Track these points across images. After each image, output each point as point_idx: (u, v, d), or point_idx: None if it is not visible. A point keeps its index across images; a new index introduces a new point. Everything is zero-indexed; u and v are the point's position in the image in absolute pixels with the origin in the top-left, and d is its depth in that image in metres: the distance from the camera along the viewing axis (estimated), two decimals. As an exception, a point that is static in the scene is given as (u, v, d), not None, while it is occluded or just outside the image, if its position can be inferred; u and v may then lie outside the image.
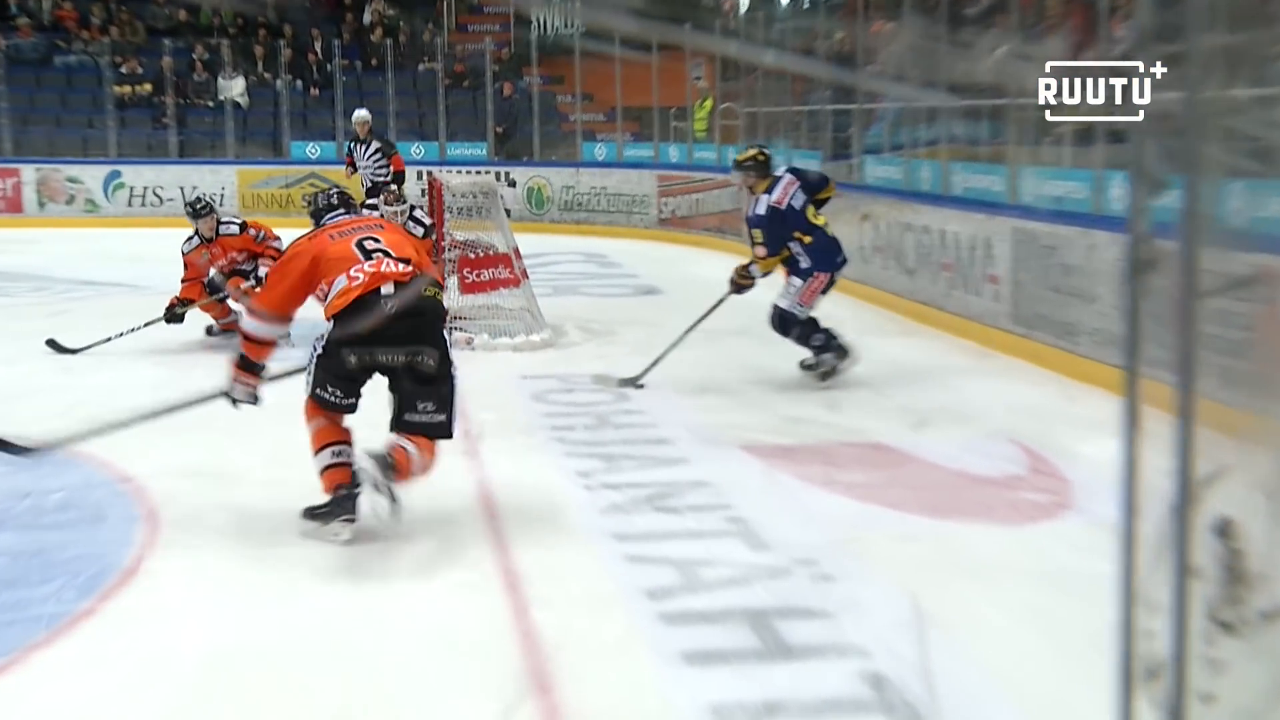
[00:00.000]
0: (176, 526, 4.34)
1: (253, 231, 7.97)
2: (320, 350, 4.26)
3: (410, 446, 4.17)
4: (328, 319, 4.26)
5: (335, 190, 4.83)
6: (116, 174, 16.94)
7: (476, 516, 4.48)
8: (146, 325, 7.81)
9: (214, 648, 3.36)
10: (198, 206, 7.97)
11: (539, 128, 16.98)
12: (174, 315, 7.93)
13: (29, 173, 16.88)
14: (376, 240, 4.38)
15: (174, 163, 17.24)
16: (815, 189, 6.82)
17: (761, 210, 6.68)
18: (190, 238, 7.96)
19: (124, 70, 18.11)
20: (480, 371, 7.03)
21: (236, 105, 17.80)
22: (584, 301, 9.83)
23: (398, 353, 4.19)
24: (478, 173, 14.79)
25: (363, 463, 4.07)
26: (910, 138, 9.73)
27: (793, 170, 6.92)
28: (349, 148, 12.36)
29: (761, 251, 6.70)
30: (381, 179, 11.74)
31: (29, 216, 16.65)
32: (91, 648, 3.36)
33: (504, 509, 4.56)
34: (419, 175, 16.06)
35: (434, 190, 8.38)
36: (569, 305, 9.25)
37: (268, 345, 4.46)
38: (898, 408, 6.18)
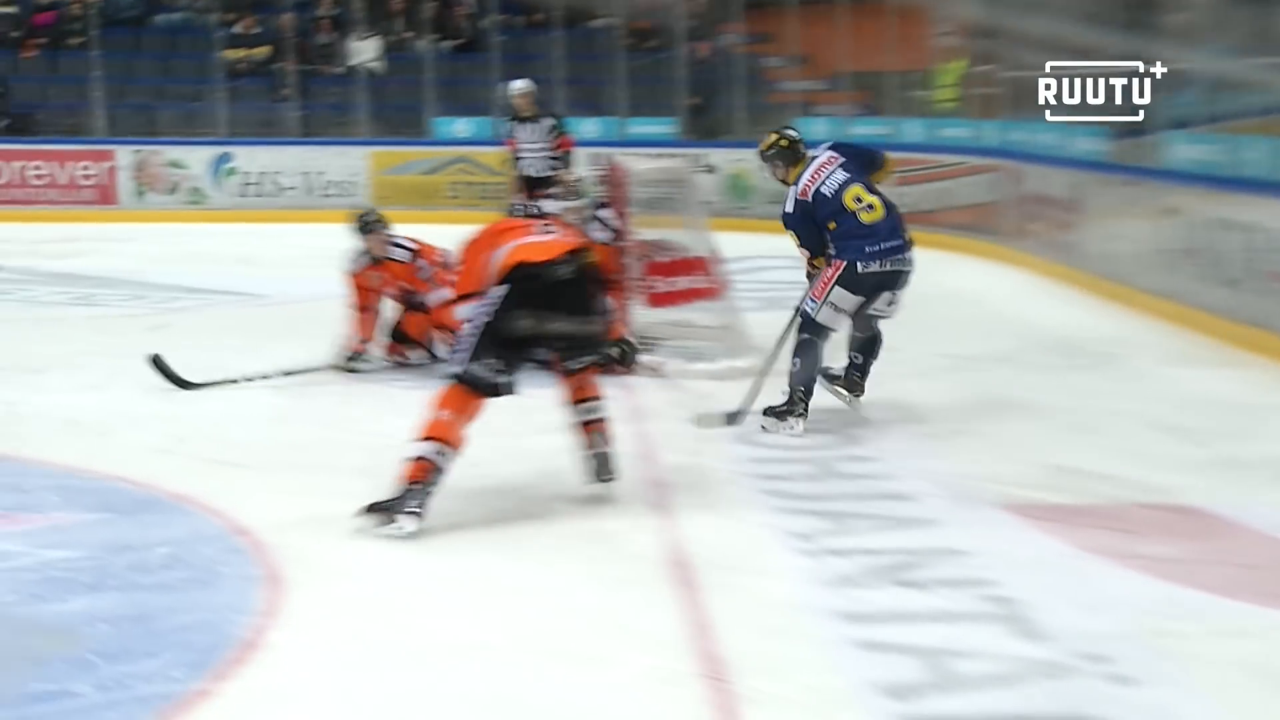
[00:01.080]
0: (303, 590, 4.47)
1: (420, 264, 7.94)
2: (487, 315, 5.12)
3: (598, 416, 5.45)
4: (497, 283, 5.19)
5: (537, 208, 5.69)
6: (227, 157, 17.64)
7: (668, 587, 4.51)
8: (298, 372, 7.79)
9: (349, 741, 3.46)
10: (366, 220, 8.05)
11: (742, 99, 17.07)
12: (353, 365, 7.96)
13: (125, 156, 17.68)
14: (549, 229, 5.56)
15: (294, 143, 17.85)
16: (868, 167, 6.86)
17: (789, 207, 6.80)
18: (358, 255, 8.09)
19: (236, 31, 18.82)
20: (672, 405, 7.08)
21: (369, 73, 18.35)
22: (800, 318, 9.81)
23: (567, 322, 5.20)
24: (666, 156, 14.92)
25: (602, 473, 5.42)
26: (1233, 106, 9.45)
27: (835, 147, 6.95)
28: (508, 129, 12.54)
29: (805, 253, 6.81)
30: (560, 167, 11.89)
31: (125, 209, 17.43)
32: (204, 736, 3.50)
33: (702, 578, 4.57)
34: (593, 159, 16.32)
35: (614, 178, 8.48)
36: (781, 323, 9.21)
37: None
38: (1215, 459, 6.00)
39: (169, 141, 17.93)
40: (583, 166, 15.70)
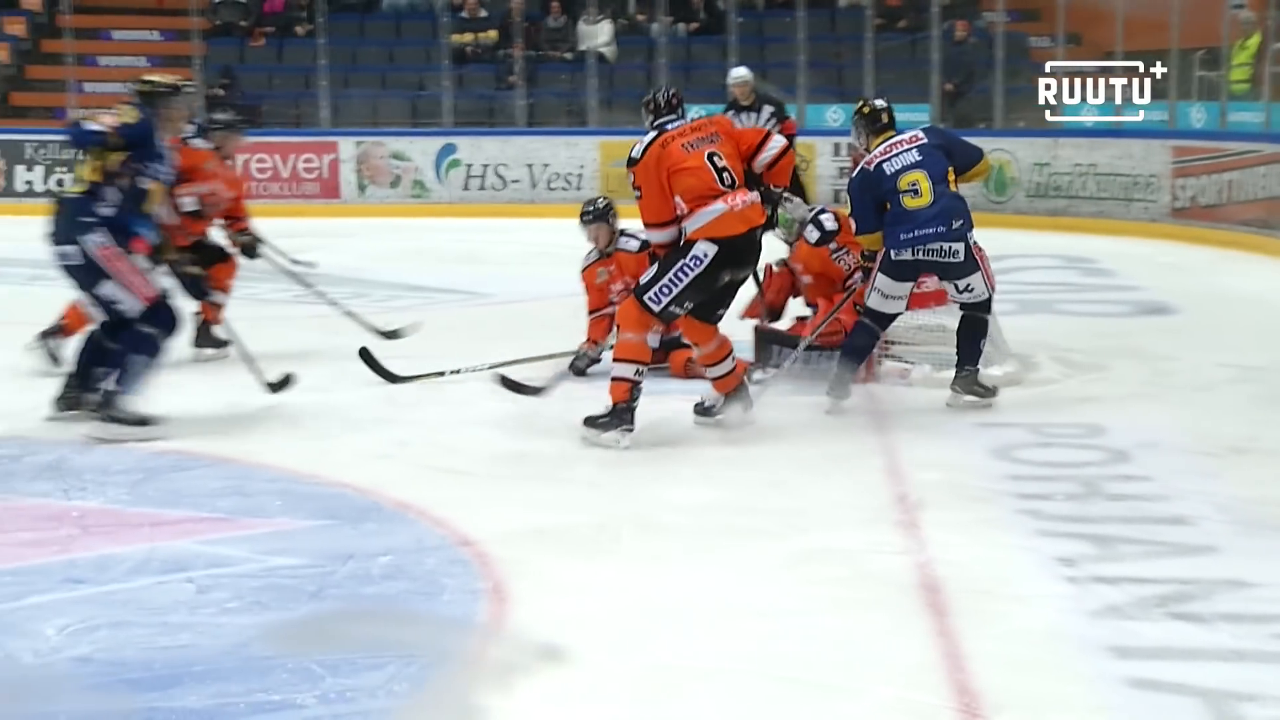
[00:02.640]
0: (528, 606, 4.56)
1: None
2: (702, 268, 6.28)
3: (733, 359, 6.62)
4: (702, 238, 6.29)
5: (675, 89, 6.97)
6: (451, 148, 18.07)
7: (917, 613, 4.50)
8: (507, 364, 7.88)
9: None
10: (593, 208, 8.11)
11: (1003, 82, 16.86)
12: (582, 367, 7.95)
13: (348, 148, 18.25)
14: (721, 158, 6.51)
15: (520, 133, 18.23)
16: (953, 159, 7.06)
17: (855, 173, 7.33)
18: (589, 251, 8.19)
19: (464, 14, 19.22)
20: (920, 415, 7.06)
21: (601, 58, 18.60)
22: (1063, 323, 9.74)
23: (749, 272, 6.75)
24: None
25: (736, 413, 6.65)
26: None
27: (928, 131, 7.23)
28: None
29: (854, 225, 7.26)
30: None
31: (347, 203, 18.05)
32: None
33: (954, 603, 4.55)
34: (836, 148, 16.31)
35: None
36: (1042, 327, 9.15)
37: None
38: None
39: (392, 132, 18.46)
40: (825, 157, 15.79)
